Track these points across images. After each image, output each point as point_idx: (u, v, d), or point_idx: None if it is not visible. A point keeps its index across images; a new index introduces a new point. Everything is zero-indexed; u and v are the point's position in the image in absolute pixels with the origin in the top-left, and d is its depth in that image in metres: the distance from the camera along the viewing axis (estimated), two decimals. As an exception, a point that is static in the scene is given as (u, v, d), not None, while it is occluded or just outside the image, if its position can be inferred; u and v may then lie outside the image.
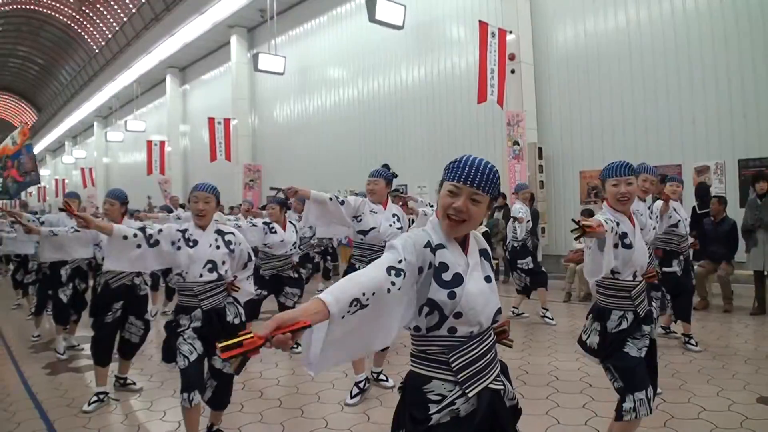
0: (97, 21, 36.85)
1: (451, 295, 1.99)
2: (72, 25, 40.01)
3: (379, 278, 1.85)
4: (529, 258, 8.47)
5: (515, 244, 8.53)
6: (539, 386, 5.31)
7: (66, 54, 45.11)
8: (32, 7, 39.28)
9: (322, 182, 15.81)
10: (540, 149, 12.79)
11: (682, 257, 6.46)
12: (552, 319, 8.13)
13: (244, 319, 4.32)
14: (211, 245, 4.06)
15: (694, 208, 9.17)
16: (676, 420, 4.32)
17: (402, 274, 1.90)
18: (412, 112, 16.08)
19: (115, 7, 32.83)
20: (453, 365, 2.03)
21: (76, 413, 5.04)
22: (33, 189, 35.43)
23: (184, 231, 4.05)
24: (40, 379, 6.23)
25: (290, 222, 7.15)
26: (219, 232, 4.15)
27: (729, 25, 10.20)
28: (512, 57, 12.66)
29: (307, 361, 1.80)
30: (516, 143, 12.60)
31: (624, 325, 3.38)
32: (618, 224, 3.32)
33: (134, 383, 5.73)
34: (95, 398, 5.23)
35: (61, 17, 40.07)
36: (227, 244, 4.15)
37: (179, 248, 3.99)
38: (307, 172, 18.56)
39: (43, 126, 55.06)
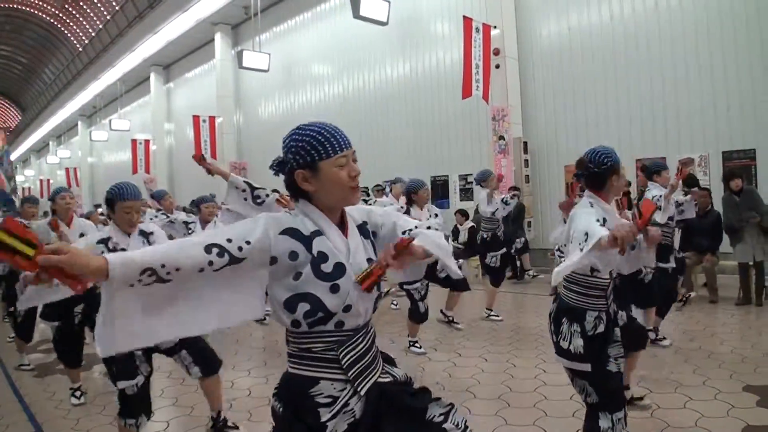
0: (81, 19, 36.55)
1: (334, 288, 1.85)
2: (55, 23, 39.69)
3: (193, 254, 1.69)
4: (501, 252, 8.09)
5: (485, 236, 8.14)
6: (527, 379, 5.34)
7: (49, 53, 44.76)
8: (15, 6, 38.94)
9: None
10: (525, 144, 12.83)
11: (676, 252, 6.43)
12: (498, 316, 8.07)
13: None
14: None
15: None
16: (662, 410, 4.35)
17: (226, 255, 1.73)
18: (397, 107, 16.08)
19: (99, 4, 32.58)
20: (343, 361, 1.90)
21: (64, 415, 5.02)
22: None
23: (106, 240, 3.72)
24: (28, 382, 6.20)
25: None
26: (142, 233, 3.86)
27: (712, 19, 10.25)
28: (497, 52, 12.68)
29: (98, 337, 1.64)
30: (501, 138, 12.63)
31: (601, 328, 3.14)
32: (605, 220, 3.05)
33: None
34: (79, 393, 5.24)
35: (44, 15, 39.74)
36: (152, 244, 3.78)
37: None
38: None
39: (27, 126, 54.64)
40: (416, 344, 6.61)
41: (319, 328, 1.88)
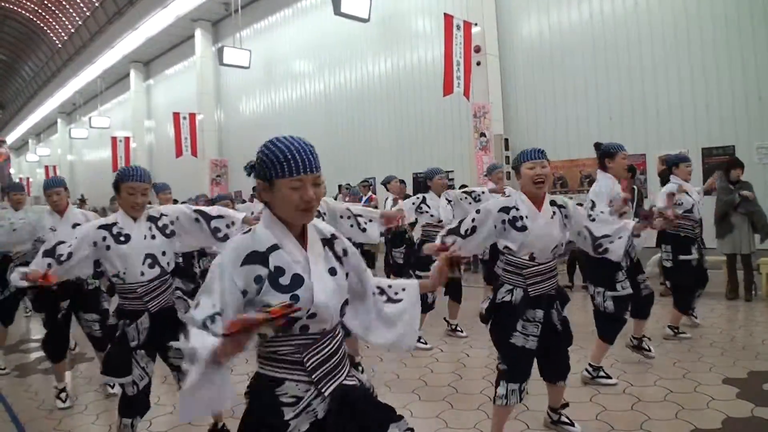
0: (60, 15, 36.19)
1: (294, 299, 1.88)
2: (34, 19, 39.25)
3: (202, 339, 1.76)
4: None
5: None
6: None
7: (29, 49, 44.23)
8: (-7, 2, 38.52)
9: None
10: (506, 140, 12.87)
11: (698, 243, 6.35)
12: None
13: None
14: (146, 237, 3.59)
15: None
16: (642, 402, 4.39)
17: (218, 318, 1.82)
18: (379, 105, 16.08)
19: (78, 1, 32.31)
20: (307, 365, 1.96)
21: (46, 415, 4.97)
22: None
23: (110, 226, 3.57)
24: (10, 382, 6.13)
25: None
26: (151, 218, 3.68)
27: (691, 18, 10.35)
28: (477, 49, 12.72)
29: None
30: (482, 135, 12.67)
31: (508, 298, 3.54)
32: (516, 209, 3.51)
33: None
34: (64, 395, 5.16)
35: (23, 12, 39.32)
36: (162, 229, 3.69)
37: (108, 248, 3.52)
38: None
39: (6, 124, 54.13)
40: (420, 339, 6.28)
41: (284, 332, 1.94)
